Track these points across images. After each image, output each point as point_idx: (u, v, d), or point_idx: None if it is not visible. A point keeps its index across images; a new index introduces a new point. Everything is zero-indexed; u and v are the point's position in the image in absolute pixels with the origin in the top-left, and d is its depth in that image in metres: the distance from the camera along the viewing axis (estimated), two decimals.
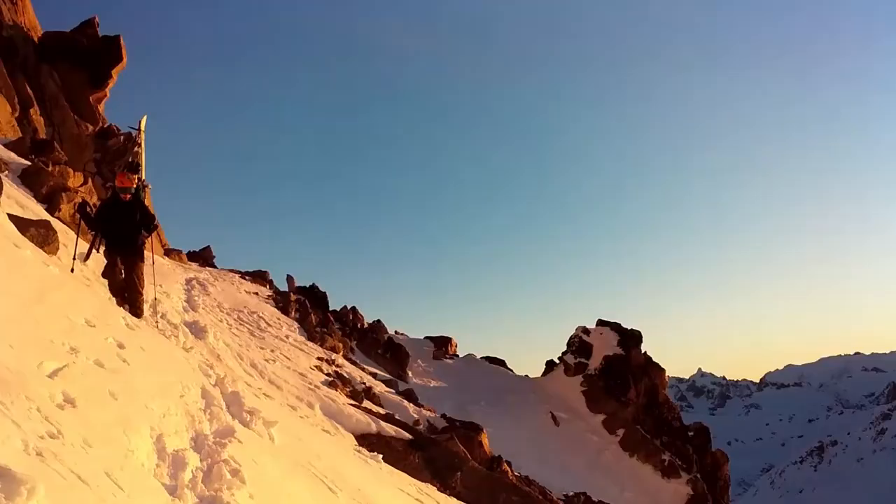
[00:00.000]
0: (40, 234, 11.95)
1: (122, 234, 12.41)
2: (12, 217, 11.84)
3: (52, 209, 17.09)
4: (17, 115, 24.32)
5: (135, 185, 12.70)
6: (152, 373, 7.54)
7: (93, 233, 12.83)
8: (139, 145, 15.85)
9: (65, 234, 14.62)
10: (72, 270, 11.94)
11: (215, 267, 38.66)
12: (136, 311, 12.34)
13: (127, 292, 12.37)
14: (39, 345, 5.79)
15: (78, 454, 4.40)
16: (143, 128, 15.85)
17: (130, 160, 15.03)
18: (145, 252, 13.05)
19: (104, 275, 12.47)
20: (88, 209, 12.65)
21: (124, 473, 4.67)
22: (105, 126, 30.10)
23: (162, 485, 5.19)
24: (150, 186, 14.69)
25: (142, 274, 12.74)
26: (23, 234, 11.25)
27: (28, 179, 17.86)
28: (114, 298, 12.11)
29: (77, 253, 12.50)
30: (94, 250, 12.92)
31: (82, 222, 12.88)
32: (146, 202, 13.84)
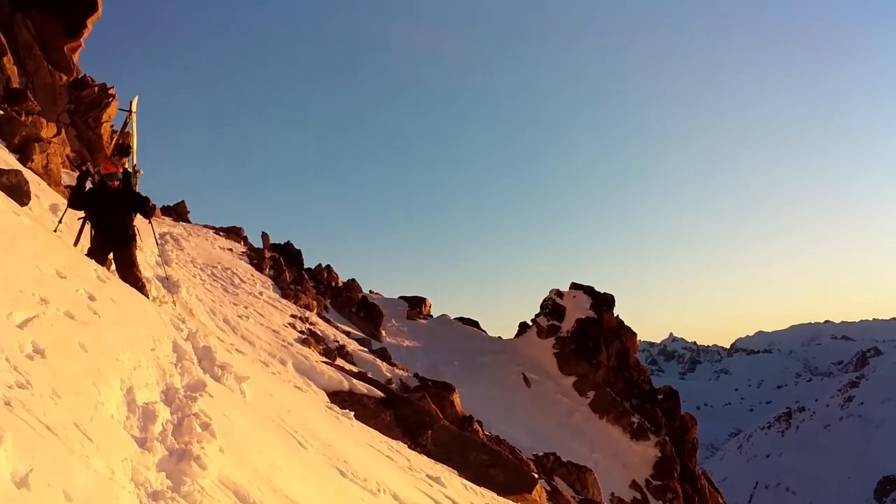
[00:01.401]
0: (12, 184, 11.80)
1: (112, 224, 11.80)
2: None
3: (24, 159, 16.89)
4: None
5: (121, 171, 11.96)
6: (123, 325, 7.50)
7: (81, 217, 12.24)
8: (130, 129, 14.98)
9: (36, 184, 14.45)
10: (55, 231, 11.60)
11: (189, 222, 38.46)
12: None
13: (127, 282, 11.98)
14: (9, 295, 5.75)
15: (47, 404, 4.38)
16: (134, 109, 15.02)
17: (121, 142, 14.26)
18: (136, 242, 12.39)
19: (90, 255, 11.65)
20: (90, 180, 11.99)
21: (93, 424, 4.66)
22: (79, 76, 29.68)
23: (131, 437, 5.17)
24: (141, 172, 13.91)
25: (136, 259, 12.23)
26: None
27: (0, 129, 17.63)
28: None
29: (64, 217, 12.10)
30: (81, 237, 12.36)
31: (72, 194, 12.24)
32: (136, 188, 12.96)
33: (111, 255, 12.10)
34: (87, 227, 12.00)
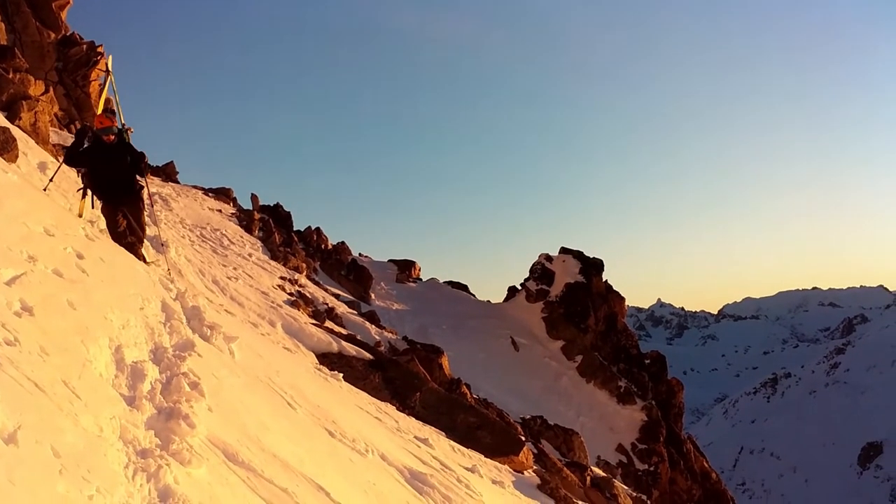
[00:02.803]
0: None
1: (113, 179, 11.53)
2: None
3: (12, 117, 16.75)
4: None
5: (116, 125, 11.63)
6: (112, 284, 7.48)
7: (81, 180, 11.77)
8: (111, 91, 14.32)
9: (24, 142, 14.34)
10: (45, 189, 11.39)
11: (178, 183, 38.29)
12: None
13: (127, 239, 11.71)
14: None
15: (35, 362, 4.37)
16: (110, 68, 14.44)
17: (106, 108, 13.72)
18: (143, 196, 12.22)
19: (113, 238, 11.46)
20: (87, 138, 11.55)
21: (82, 382, 4.66)
22: (68, 34, 29.41)
23: (120, 395, 5.17)
24: (131, 130, 13.58)
25: (142, 221, 12.07)
26: None
27: None
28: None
29: (55, 176, 11.88)
30: (83, 208, 12.12)
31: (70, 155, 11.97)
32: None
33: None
34: (89, 196, 11.83)
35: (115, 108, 13.60)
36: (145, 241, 13.08)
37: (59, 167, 12.08)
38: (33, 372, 4.19)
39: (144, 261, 11.77)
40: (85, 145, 11.63)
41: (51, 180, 11.67)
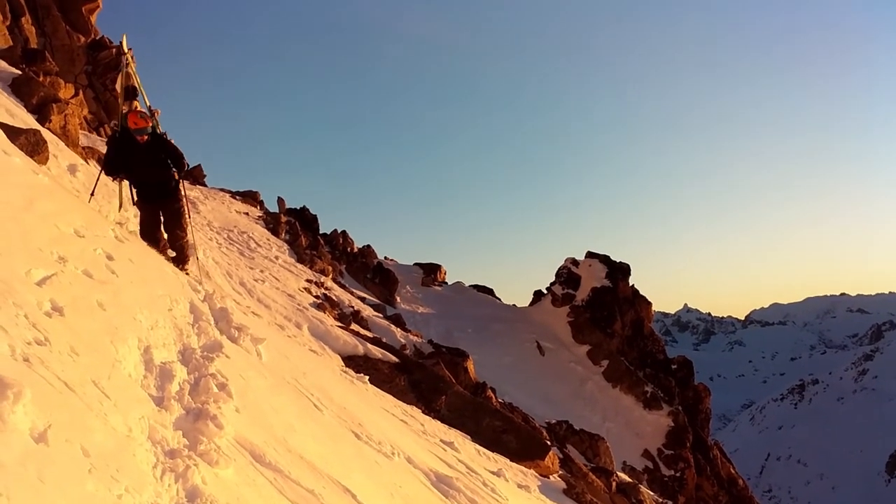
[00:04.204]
0: (30, 143, 11.77)
1: (149, 180, 11.41)
2: (2, 125, 11.61)
3: (42, 120, 16.87)
4: (7, 23, 23.94)
5: (150, 125, 11.29)
6: (141, 285, 7.52)
7: (117, 178, 11.71)
8: (130, 67, 13.91)
9: (55, 144, 14.43)
10: (89, 201, 11.30)
11: (205, 186, 38.50)
12: (183, 259, 11.83)
13: (169, 239, 11.73)
14: (27, 252, 5.76)
15: (65, 361, 4.40)
16: (125, 49, 14.01)
17: (127, 86, 13.36)
18: (181, 194, 12.00)
19: (142, 235, 11.48)
20: (117, 133, 11.48)
21: (111, 382, 4.69)
22: (97, 37, 29.66)
23: (149, 395, 5.20)
24: (158, 111, 13.14)
25: (182, 218, 11.92)
26: (13, 142, 11.08)
27: (18, 89, 17.60)
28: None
29: (95, 189, 11.74)
30: (124, 197, 11.98)
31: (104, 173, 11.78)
32: (159, 129, 12.00)
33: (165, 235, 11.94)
34: (126, 186, 11.77)
35: (137, 86, 13.35)
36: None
37: (99, 177, 11.97)
38: (63, 372, 4.21)
39: (186, 261, 11.82)
40: (111, 146, 11.55)
41: (92, 194, 11.55)
